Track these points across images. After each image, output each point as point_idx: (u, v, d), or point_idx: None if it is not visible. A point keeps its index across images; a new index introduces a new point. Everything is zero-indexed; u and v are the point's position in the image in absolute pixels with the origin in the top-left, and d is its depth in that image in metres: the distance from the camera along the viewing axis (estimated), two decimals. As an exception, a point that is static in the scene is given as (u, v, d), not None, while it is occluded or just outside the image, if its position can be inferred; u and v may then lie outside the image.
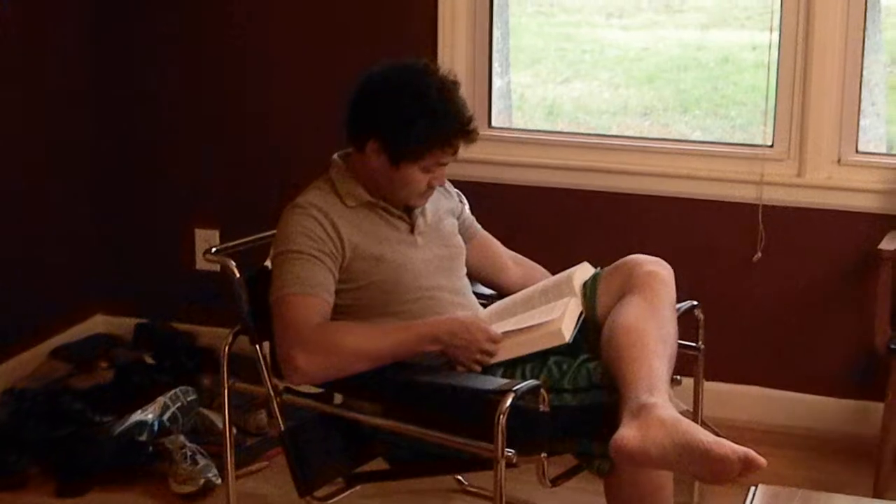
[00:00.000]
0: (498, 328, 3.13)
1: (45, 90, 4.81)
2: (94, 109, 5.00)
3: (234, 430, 3.64)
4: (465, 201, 3.55)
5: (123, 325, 5.07)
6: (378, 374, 3.02)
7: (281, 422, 3.16)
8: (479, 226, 3.54)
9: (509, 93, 5.19)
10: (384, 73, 3.20)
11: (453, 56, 4.52)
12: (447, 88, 3.17)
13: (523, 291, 3.32)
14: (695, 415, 3.31)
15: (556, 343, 3.03)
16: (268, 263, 3.31)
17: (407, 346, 3.06)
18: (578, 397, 2.94)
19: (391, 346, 3.05)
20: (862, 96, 4.31)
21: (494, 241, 3.54)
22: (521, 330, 3.11)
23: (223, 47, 4.85)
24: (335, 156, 3.29)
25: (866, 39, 4.27)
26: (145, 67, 4.97)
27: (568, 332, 3.03)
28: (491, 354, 3.08)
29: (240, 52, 4.84)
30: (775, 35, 4.29)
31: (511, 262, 3.53)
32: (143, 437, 4.07)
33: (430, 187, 3.22)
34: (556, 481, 2.96)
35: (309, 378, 3.05)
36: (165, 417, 4.16)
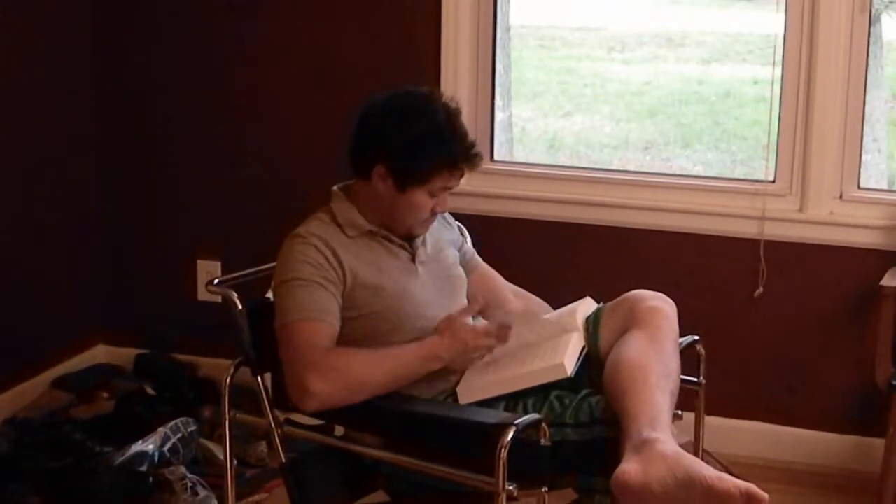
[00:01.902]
0: (500, 362, 3.13)
1: (44, 121, 4.82)
2: (96, 140, 5.02)
3: (235, 462, 3.63)
4: (467, 234, 3.55)
5: (124, 355, 5.07)
6: (379, 406, 3.01)
7: (282, 453, 3.16)
8: (479, 259, 3.53)
9: (511, 126, 5.21)
10: (388, 99, 3.21)
11: (456, 89, 4.53)
12: (452, 113, 3.19)
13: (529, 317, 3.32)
14: (696, 450, 3.30)
15: (558, 377, 3.03)
16: (270, 295, 3.31)
17: (413, 367, 3.07)
18: (580, 432, 2.94)
19: (400, 367, 3.05)
20: (864, 132, 4.32)
21: (495, 274, 3.54)
22: (523, 363, 3.11)
23: (225, 80, 4.87)
24: (335, 187, 3.29)
25: (868, 75, 4.28)
26: (146, 100, 4.99)
27: (570, 366, 3.03)
28: (490, 346, 3.13)
29: (242, 85, 4.85)
30: (777, 70, 4.31)
31: (512, 296, 3.52)
32: (144, 468, 4.06)
33: (433, 214, 3.22)
34: (556, 516, 2.96)
35: (323, 402, 3.00)
36: (166, 448, 4.16)
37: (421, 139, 3.11)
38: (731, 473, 3.87)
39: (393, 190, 3.15)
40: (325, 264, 3.11)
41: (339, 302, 3.11)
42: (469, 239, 3.54)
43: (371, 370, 3.03)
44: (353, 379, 3.01)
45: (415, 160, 3.11)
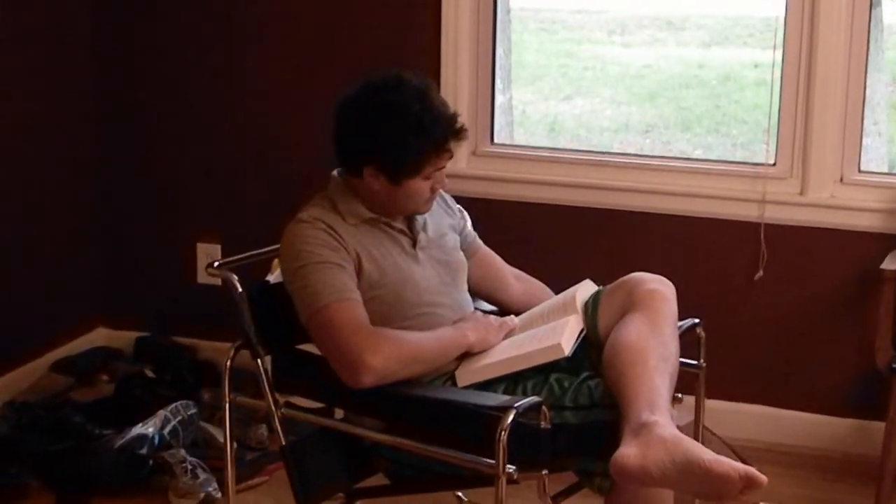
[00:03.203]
0: (500, 347, 3.14)
1: (45, 105, 4.81)
2: (96, 123, 5.01)
3: (235, 445, 3.64)
4: (467, 217, 3.54)
5: (124, 338, 5.08)
6: (380, 389, 3.01)
7: (282, 436, 3.15)
8: (480, 242, 3.53)
9: (511, 109, 5.21)
10: (360, 100, 3.16)
11: (456, 72, 4.53)
12: (425, 95, 3.14)
13: (527, 312, 3.32)
14: (696, 433, 3.30)
15: (555, 357, 3.03)
16: (270, 278, 3.29)
17: (447, 345, 3.11)
18: (580, 415, 2.94)
19: (437, 345, 3.09)
20: (864, 115, 4.31)
21: (496, 257, 3.53)
22: (521, 346, 3.11)
23: (225, 64, 4.86)
24: (334, 172, 3.28)
25: (869, 58, 4.27)
26: (146, 82, 4.98)
27: (567, 346, 3.02)
28: (513, 326, 3.24)
29: (241, 69, 4.84)
30: (778, 53, 4.30)
31: (513, 279, 3.52)
32: (144, 451, 4.07)
33: (433, 191, 3.22)
34: (556, 498, 2.95)
35: (379, 375, 2.96)
36: (166, 431, 4.16)
37: (402, 135, 3.08)
38: (735, 454, 3.90)
39: (387, 185, 3.14)
40: (337, 246, 3.10)
41: (356, 282, 3.11)
42: (470, 222, 3.53)
43: (417, 345, 3.05)
44: (405, 352, 3.02)
45: (401, 156, 3.10)
